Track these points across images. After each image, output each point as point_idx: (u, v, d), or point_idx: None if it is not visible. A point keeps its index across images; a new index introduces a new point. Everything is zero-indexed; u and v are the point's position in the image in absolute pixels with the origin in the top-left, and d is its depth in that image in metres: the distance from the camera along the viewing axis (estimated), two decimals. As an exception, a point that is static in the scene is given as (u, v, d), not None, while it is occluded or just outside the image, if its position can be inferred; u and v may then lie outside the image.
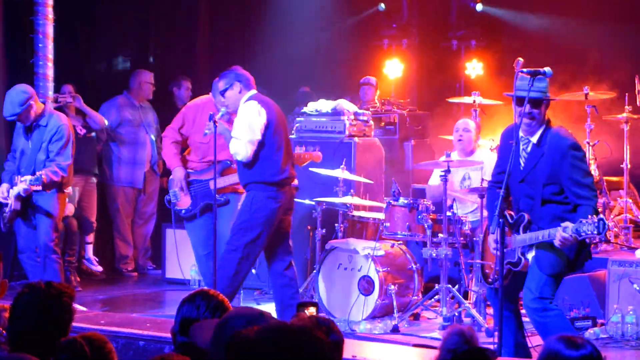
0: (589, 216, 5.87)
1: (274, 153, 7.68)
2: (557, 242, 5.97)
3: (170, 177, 8.57)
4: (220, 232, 7.95)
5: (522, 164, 6.36)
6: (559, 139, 6.24)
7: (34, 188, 7.90)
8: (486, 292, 7.04)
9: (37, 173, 7.94)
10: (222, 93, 7.77)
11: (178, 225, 8.59)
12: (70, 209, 9.64)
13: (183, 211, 8.42)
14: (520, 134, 6.34)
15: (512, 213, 6.40)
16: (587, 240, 6.11)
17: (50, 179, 7.97)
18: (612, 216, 9.47)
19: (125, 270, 10.68)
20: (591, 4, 11.22)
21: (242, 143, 7.60)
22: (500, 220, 6.11)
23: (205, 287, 7.05)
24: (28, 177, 7.95)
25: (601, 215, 5.84)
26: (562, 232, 5.92)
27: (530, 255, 6.33)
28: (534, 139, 6.31)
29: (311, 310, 4.07)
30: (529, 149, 6.34)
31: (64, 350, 3.79)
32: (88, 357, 3.82)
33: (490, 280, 6.55)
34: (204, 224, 8.33)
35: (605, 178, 9.74)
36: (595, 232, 5.77)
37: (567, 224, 5.93)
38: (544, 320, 6.26)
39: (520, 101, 6.23)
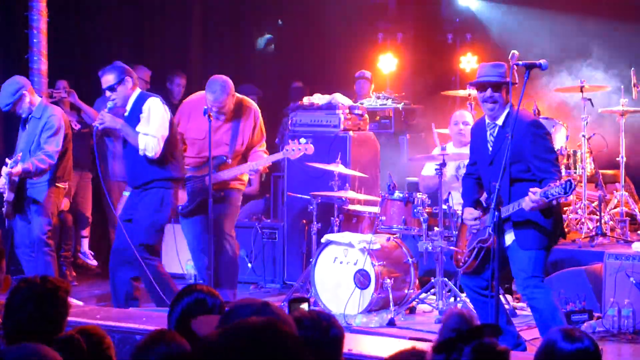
0: (556, 180, 6.14)
1: (175, 150, 7.90)
2: (526, 206, 6.17)
3: None
4: (215, 224, 8.00)
5: (490, 148, 6.64)
6: (520, 119, 6.41)
7: (14, 170, 7.91)
8: (460, 279, 7.25)
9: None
10: (113, 88, 7.83)
11: (174, 220, 8.58)
12: (65, 204, 9.62)
13: (180, 207, 8.41)
14: (487, 120, 6.68)
15: (485, 196, 6.76)
16: (555, 202, 6.30)
17: (37, 167, 7.99)
18: (608, 209, 9.47)
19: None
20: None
21: (156, 140, 7.74)
22: (497, 213, 6.17)
23: (200, 283, 7.06)
24: (9, 161, 7.98)
25: (568, 178, 6.11)
26: (531, 196, 6.12)
27: (509, 238, 6.53)
28: (499, 121, 6.59)
29: (303, 306, 4.06)
30: (495, 132, 6.62)
31: (61, 345, 3.79)
32: (85, 352, 3.82)
33: (461, 264, 6.82)
34: (199, 220, 8.31)
35: (601, 171, 9.74)
36: (562, 192, 6.00)
37: (536, 189, 6.14)
38: (535, 296, 6.49)
39: (481, 87, 6.63)
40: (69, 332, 3.99)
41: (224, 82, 8.24)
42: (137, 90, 7.94)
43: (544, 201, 6.11)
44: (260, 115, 8.51)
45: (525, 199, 6.17)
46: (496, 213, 6.17)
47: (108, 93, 7.87)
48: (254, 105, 8.52)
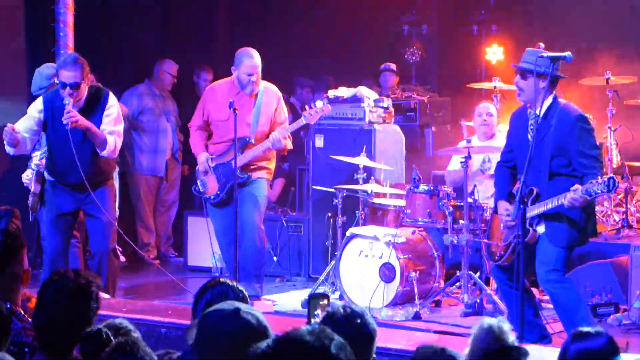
0: (598, 177, 6.01)
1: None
2: (566, 203, 6.07)
3: (197, 167, 8.59)
4: (244, 216, 8.02)
5: (530, 139, 6.44)
6: (567, 112, 6.33)
7: (44, 161, 7.95)
8: (491, 271, 7.14)
9: None
10: (79, 85, 7.62)
11: (207, 213, 8.62)
12: None
13: (212, 197, 8.45)
14: (529, 109, 6.50)
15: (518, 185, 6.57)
16: (596, 201, 6.27)
17: None
18: (634, 201, 9.43)
19: (147, 258, 10.72)
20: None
21: (120, 139, 7.88)
22: (521, 206, 6.15)
23: (224, 276, 7.08)
24: (38, 152, 8.02)
25: (611, 175, 6.03)
26: (572, 194, 6.01)
27: (540, 229, 6.45)
28: (540, 112, 6.40)
29: (324, 303, 4.07)
30: (536, 123, 6.42)
31: (89, 340, 3.81)
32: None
33: (497, 257, 6.69)
34: (229, 211, 8.30)
35: (627, 163, 9.69)
36: (605, 189, 5.89)
37: (577, 186, 6.03)
38: (557, 291, 6.45)
39: (514, 71, 6.51)
40: (97, 326, 4.02)
41: (255, 51, 8.43)
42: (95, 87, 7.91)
43: (586, 199, 6.02)
44: (282, 98, 8.59)
45: (567, 196, 6.07)
46: (521, 206, 6.14)
47: (67, 90, 7.58)
48: (275, 88, 8.58)
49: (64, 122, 7.51)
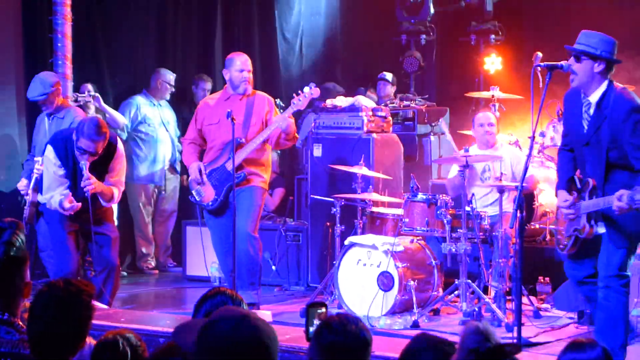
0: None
1: None
2: (614, 208, 5.79)
3: (189, 177, 8.60)
4: (237, 225, 8.04)
5: (586, 127, 6.18)
6: (621, 101, 6.02)
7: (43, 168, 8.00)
8: (566, 270, 6.62)
9: None
10: (96, 154, 7.75)
11: (201, 223, 8.63)
12: None
13: (210, 204, 8.45)
14: (582, 94, 6.20)
15: (581, 177, 6.27)
16: None
17: None
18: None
19: (146, 268, 10.72)
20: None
21: (122, 187, 8.15)
22: (519, 215, 6.05)
23: (224, 285, 7.07)
24: (40, 158, 8.05)
25: None
26: (617, 202, 5.74)
27: (601, 229, 6.15)
28: (593, 98, 6.13)
29: (322, 311, 4.07)
30: (591, 110, 6.15)
31: (106, 349, 3.81)
32: (128, 357, 3.85)
33: (561, 246, 6.42)
34: (226, 219, 8.30)
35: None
36: None
37: (623, 191, 5.74)
38: (608, 302, 6.13)
39: (569, 54, 6.15)
40: (110, 335, 4.02)
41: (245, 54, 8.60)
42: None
43: (631, 207, 5.73)
44: (274, 103, 8.63)
45: (613, 202, 5.78)
46: (518, 215, 6.00)
47: (86, 156, 7.70)
48: (266, 95, 8.65)
49: (83, 188, 7.67)
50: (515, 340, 6.03)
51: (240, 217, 8.14)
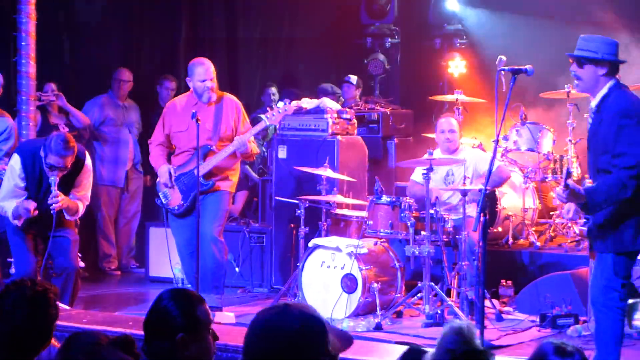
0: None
1: None
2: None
3: (157, 179, 8.57)
4: (203, 228, 8.02)
5: (589, 133, 6.12)
6: (613, 104, 5.94)
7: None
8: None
9: None
10: (65, 168, 7.73)
11: (166, 224, 8.60)
12: None
13: (176, 208, 8.42)
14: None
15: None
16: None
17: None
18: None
19: (108, 269, 10.67)
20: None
21: (87, 202, 8.18)
22: (483, 218, 6.06)
23: (181, 286, 7.04)
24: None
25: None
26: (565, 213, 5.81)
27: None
28: (594, 103, 6.06)
29: None
30: (592, 115, 6.10)
31: (122, 346, 3.79)
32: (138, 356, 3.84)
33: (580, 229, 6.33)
34: (191, 222, 8.28)
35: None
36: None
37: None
38: (602, 314, 5.97)
39: (576, 61, 6.06)
40: (123, 336, 4.00)
41: (207, 59, 8.53)
42: None
43: (574, 192, 5.73)
44: (242, 108, 8.58)
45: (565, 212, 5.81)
46: (482, 218, 6.02)
47: (55, 172, 7.67)
48: (235, 98, 8.62)
49: (50, 205, 7.65)
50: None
51: (207, 221, 8.13)
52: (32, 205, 7.73)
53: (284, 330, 3.04)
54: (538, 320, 8.01)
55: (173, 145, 8.51)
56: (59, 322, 4.05)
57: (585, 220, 6.15)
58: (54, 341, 4.05)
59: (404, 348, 3.61)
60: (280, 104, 8.50)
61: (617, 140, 5.84)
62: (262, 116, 8.51)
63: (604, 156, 5.93)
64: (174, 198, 8.40)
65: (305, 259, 8.35)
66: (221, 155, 8.26)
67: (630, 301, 7.30)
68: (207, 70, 8.37)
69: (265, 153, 10.78)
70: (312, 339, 3.03)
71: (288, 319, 3.05)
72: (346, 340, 3.25)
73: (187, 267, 8.49)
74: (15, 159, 7.82)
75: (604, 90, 6.01)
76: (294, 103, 9.68)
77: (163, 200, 8.46)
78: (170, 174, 8.36)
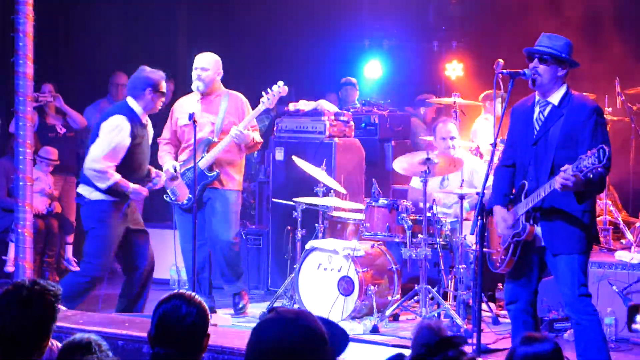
0: (587, 151, 5.59)
1: None
2: (557, 186, 5.68)
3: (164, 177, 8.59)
4: (217, 232, 8.17)
5: (537, 127, 6.10)
6: (582, 102, 6.03)
7: None
8: (506, 295, 6.41)
9: None
10: None
11: (161, 225, 8.62)
12: (57, 207, 9.76)
13: (185, 202, 8.44)
14: (538, 97, 6.17)
15: (514, 191, 6.18)
16: (590, 175, 5.57)
17: None
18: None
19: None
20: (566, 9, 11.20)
21: None
22: (480, 220, 6.03)
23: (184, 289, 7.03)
24: None
25: (601, 145, 5.52)
26: (561, 177, 5.64)
27: (539, 230, 6.04)
28: (554, 99, 6.09)
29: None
30: (546, 111, 6.10)
31: (79, 350, 3.78)
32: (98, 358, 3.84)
33: (498, 265, 6.22)
34: (198, 218, 8.27)
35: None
36: (596, 161, 5.46)
37: (566, 166, 5.66)
38: (581, 322, 5.98)
39: (530, 56, 6.12)
40: (78, 336, 4.00)
41: (214, 55, 8.63)
42: None
43: (578, 177, 5.57)
44: (248, 104, 8.63)
45: (556, 177, 5.67)
46: (479, 220, 5.99)
47: None
48: (241, 95, 8.68)
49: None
50: (474, 347, 6.06)
51: (220, 225, 8.27)
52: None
53: (284, 347, 3.04)
54: (534, 323, 8.00)
55: (180, 142, 8.58)
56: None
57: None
58: (56, 342, 4.05)
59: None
60: (275, 87, 8.51)
61: (594, 136, 5.89)
62: (261, 101, 8.51)
63: (564, 151, 5.91)
64: (182, 193, 8.47)
65: (302, 261, 8.35)
66: (221, 145, 8.31)
67: (631, 304, 7.32)
68: (198, 59, 8.53)
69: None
70: (312, 355, 3.04)
71: (289, 333, 3.04)
72: (343, 338, 3.27)
73: (188, 262, 8.49)
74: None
75: (563, 89, 6.10)
76: (292, 105, 9.71)
77: (172, 196, 8.52)
78: (175, 169, 8.40)
